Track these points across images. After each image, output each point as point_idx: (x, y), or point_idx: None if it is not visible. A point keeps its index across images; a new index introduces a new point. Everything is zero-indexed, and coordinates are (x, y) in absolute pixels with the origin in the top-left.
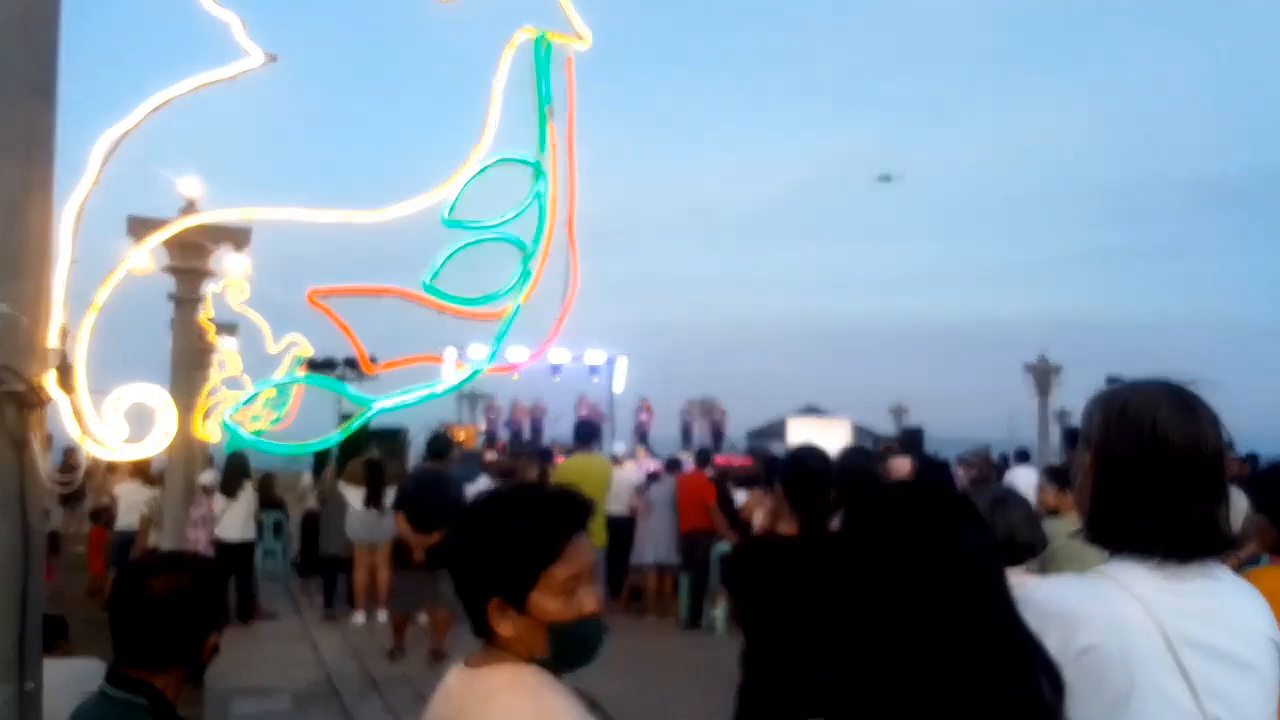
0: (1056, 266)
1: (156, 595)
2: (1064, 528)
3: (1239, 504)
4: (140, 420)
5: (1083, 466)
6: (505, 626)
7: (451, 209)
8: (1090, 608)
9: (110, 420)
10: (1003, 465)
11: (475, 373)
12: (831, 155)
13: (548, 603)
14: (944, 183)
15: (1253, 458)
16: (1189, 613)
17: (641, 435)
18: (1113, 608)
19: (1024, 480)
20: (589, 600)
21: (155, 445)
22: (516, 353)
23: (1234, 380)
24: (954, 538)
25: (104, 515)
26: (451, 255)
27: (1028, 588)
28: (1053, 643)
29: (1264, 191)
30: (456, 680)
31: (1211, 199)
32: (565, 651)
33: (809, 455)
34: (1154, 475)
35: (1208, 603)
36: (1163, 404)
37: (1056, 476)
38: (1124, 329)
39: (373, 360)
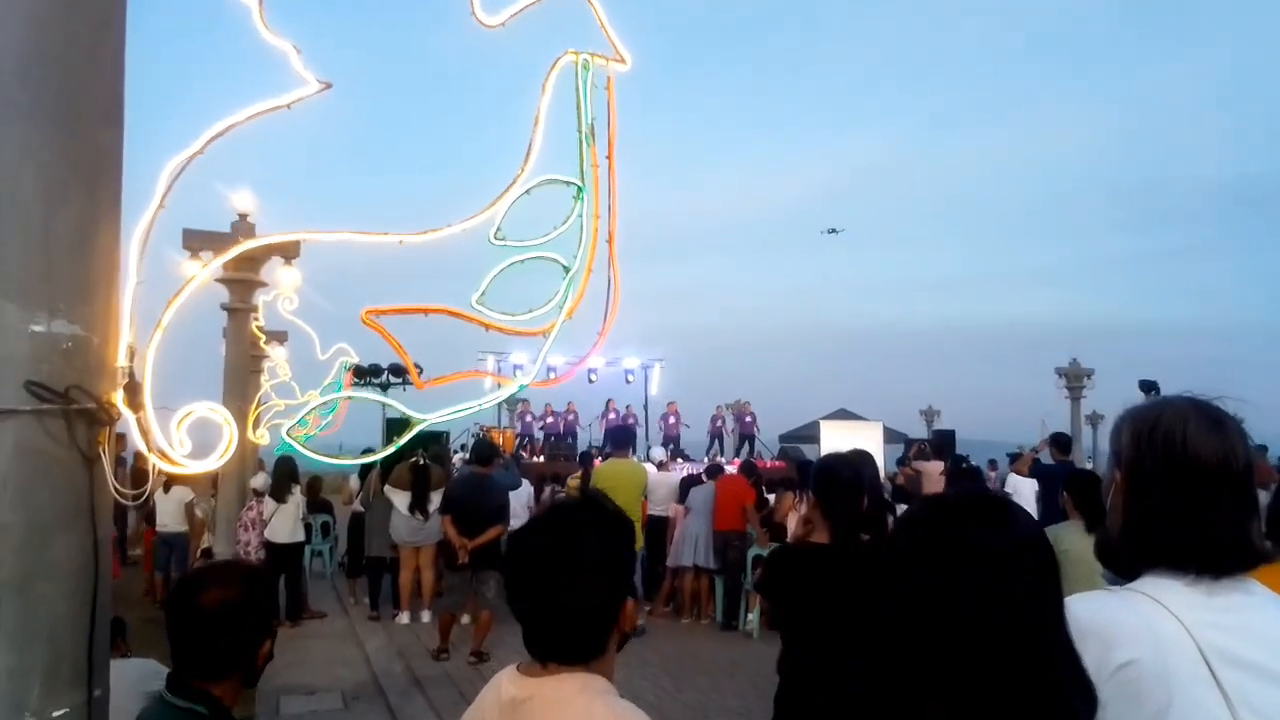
0: (1086, 270)
1: (210, 607)
2: (1072, 533)
3: None
4: (202, 434)
5: (1114, 483)
6: (614, 640)
7: (498, 228)
8: (1127, 623)
9: (175, 436)
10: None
11: (521, 387)
12: (862, 160)
13: (632, 609)
14: (975, 187)
15: (1262, 448)
16: (1224, 627)
17: (670, 440)
18: (1150, 623)
19: (1024, 484)
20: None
21: (218, 460)
22: (556, 361)
23: (1261, 382)
24: (993, 538)
25: (152, 517)
26: (498, 273)
27: (1064, 604)
28: (1090, 659)
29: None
30: (516, 686)
31: (1240, 200)
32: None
33: (840, 464)
34: (1185, 491)
35: (1243, 617)
36: (1191, 420)
37: (1075, 485)
38: (1154, 332)
39: (419, 369)
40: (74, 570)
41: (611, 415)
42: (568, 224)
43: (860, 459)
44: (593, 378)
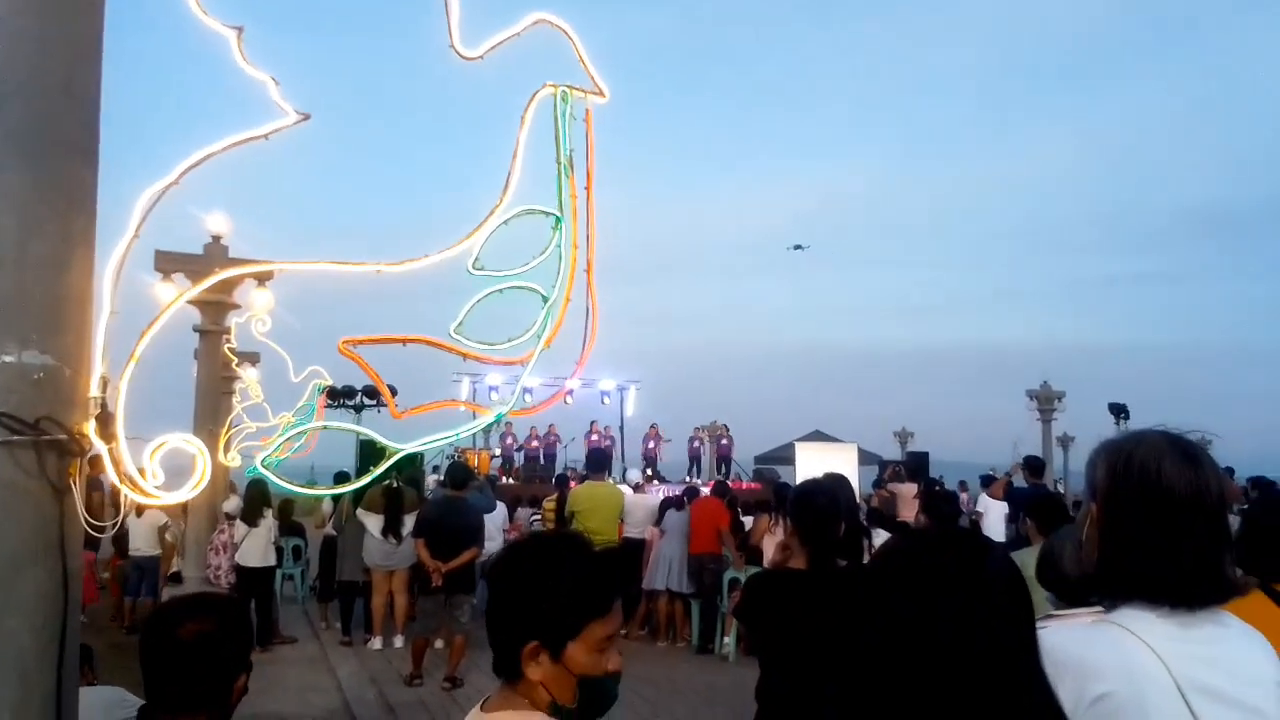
0: (1057, 293)
1: (185, 640)
2: (1035, 558)
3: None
4: (174, 461)
5: (1089, 516)
6: (535, 670)
7: (476, 258)
8: (1103, 656)
9: (149, 468)
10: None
11: (499, 417)
12: (837, 185)
13: (582, 655)
14: (946, 211)
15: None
16: (1199, 659)
17: (650, 462)
18: (1125, 655)
19: (995, 506)
20: (615, 659)
21: (190, 491)
22: (533, 383)
23: (1228, 404)
24: (970, 570)
25: (122, 542)
26: (476, 303)
27: (1040, 634)
28: (1067, 691)
29: (1257, 219)
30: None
31: (1208, 227)
32: (588, 705)
33: (816, 490)
34: (1160, 524)
35: (1216, 649)
36: (1166, 454)
37: (1037, 509)
38: (1123, 354)
39: (393, 391)
40: (43, 603)
41: (594, 436)
42: (546, 254)
43: (836, 484)
44: (568, 400)
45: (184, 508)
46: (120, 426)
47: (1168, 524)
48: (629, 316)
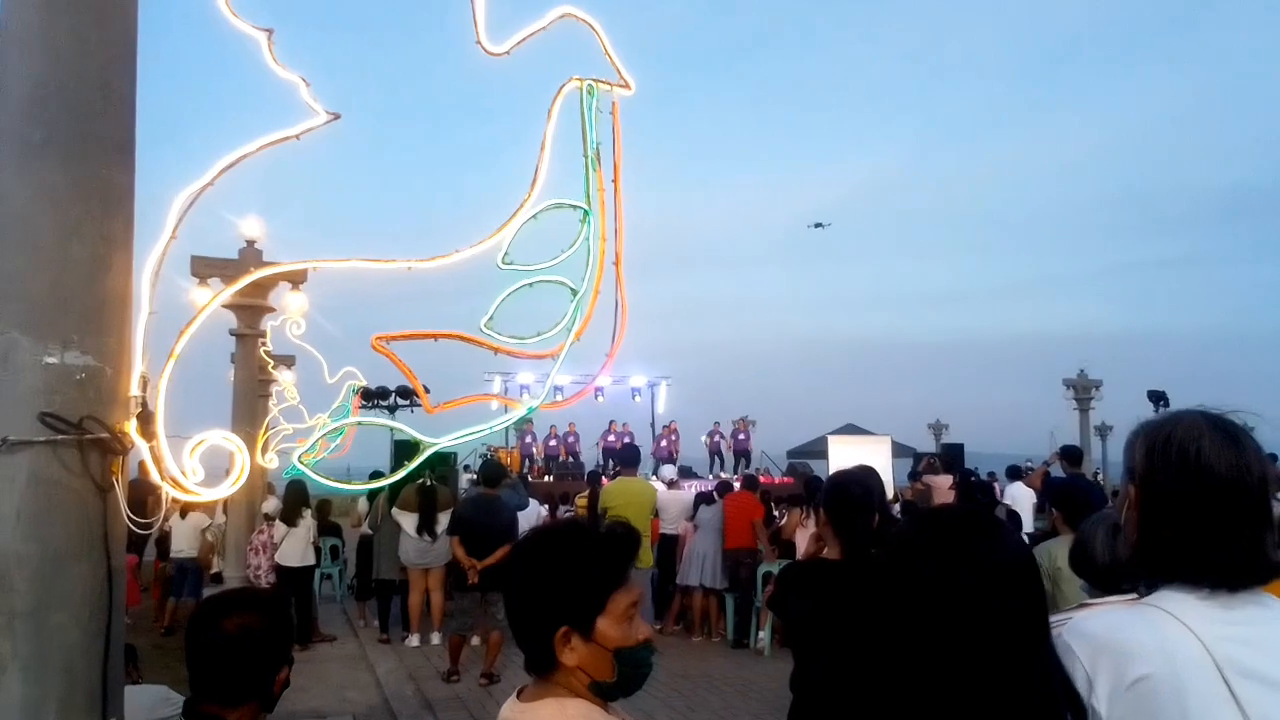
0: (1090, 280)
1: (229, 634)
2: (1064, 548)
3: None
4: (211, 460)
5: (1128, 498)
6: (570, 655)
7: (505, 253)
8: (1142, 639)
9: (188, 465)
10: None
11: (531, 410)
12: (867, 174)
13: (612, 629)
14: (976, 201)
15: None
16: (1240, 641)
17: (667, 458)
18: (1164, 638)
19: (1023, 496)
20: (644, 627)
21: (229, 487)
22: (563, 381)
23: (1271, 392)
24: (991, 548)
25: (164, 545)
26: (506, 297)
27: (1078, 618)
28: (1105, 674)
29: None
30: (509, 711)
31: (1241, 208)
32: (627, 677)
33: (850, 481)
34: (1199, 505)
35: (1259, 630)
36: (1205, 434)
37: (1061, 499)
38: (1160, 341)
39: (427, 391)
40: (88, 599)
41: (611, 437)
42: (575, 247)
43: (868, 475)
44: (600, 398)
45: (223, 505)
46: (160, 425)
47: (1207, 505)
48: (659, 311)
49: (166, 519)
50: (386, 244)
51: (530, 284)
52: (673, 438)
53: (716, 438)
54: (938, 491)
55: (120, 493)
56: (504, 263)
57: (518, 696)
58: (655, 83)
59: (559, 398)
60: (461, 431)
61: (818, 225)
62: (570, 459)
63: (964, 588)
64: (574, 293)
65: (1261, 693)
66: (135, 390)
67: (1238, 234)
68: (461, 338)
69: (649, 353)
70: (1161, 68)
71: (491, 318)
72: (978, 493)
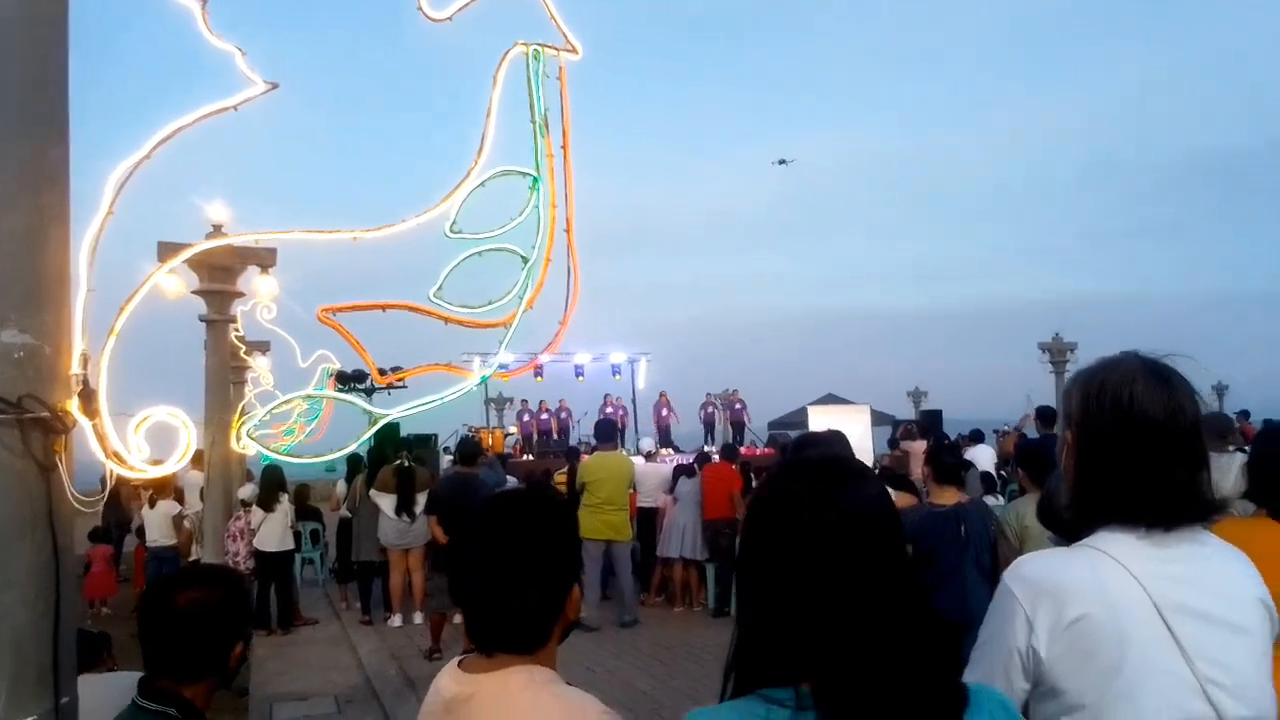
0: (1069, 248)
1: (183, 609)
2: (1030, 507)
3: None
4: (165, 439)
5: (1066, 444)
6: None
7: (454, 221)
8: (1079, 580)
9: (132, 442)
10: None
11: (483, 379)
12: (843, 152)
13: (575, 594)
14: (956, 174)
15: (1244, 414)
16: (1177, 579)
17: (664, 432)
18: (1101, 578)
19: (984, 457)
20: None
21: (176, 463)
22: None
23: (1242, 350)
24: (838, 496)
25: (144, 533)
26: (455, 266)
27: (1017, 562)
28: (1044, 616)
29: (1261, 165)
30: (457, 684)
31: (1212, 176)
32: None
33: (810, 442)
34: (1134, 447)
35: (1195, 568)
36: (1138, 378)
37: (1027, 459)
38: (1134, 305)
39: (383, 372)
40: (35, 578)
41: (608, 410)
42: (524, 215)
43: (833, 437)
44: (580, 379)
45: (200, 492)
46: (103, 402)
47: (1142, 448)
48: (637, 289)
49: (127, 503)
50: (351, 222)
51: (480, 253)
52: (666, 410)
53: (710, 409)
54: (914, 457)
55: (64, 471)
56: (452, 231)
57: (460, 666)
58: (630, 53)
59: (513, 367)
60: (415, 402)
61: (781, 162)
62: (561, 436)
63: (806, 532)
64: (524, 260)
65: (1197, 628)
66: (76, 368)
67: (1210, 201)
68: (410, 308)
69: (629, 331)
70: (1135, 39)
71: (440, 287)
72: (945, 454)
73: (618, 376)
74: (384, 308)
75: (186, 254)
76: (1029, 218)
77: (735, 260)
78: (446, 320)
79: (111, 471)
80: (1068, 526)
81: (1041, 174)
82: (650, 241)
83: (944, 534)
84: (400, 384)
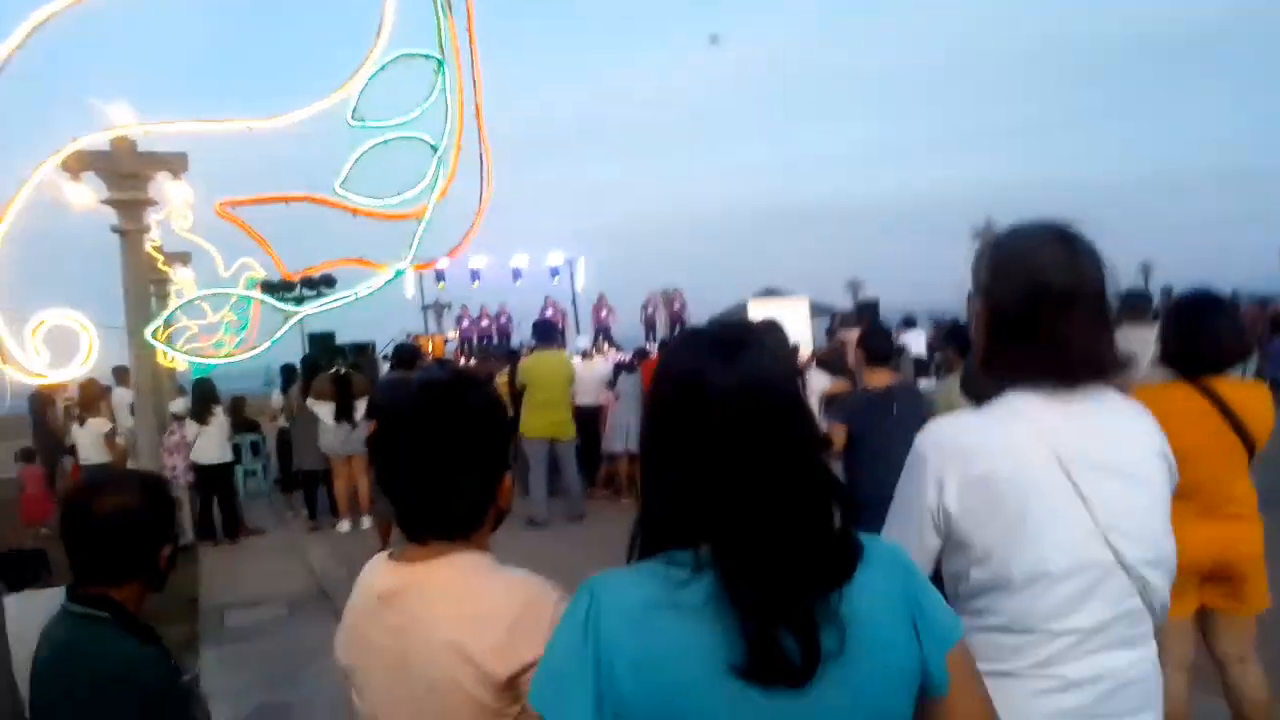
0: (1003, 135)
1: (103, 513)
2: (957, 381)
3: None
4: (69, 345)
5: (976, 312)
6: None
7: (354, 110)
8: (986, 438)
9: (30, 345)
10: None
11: (398, 273)
12: (774, 42)
13: (508, 481)
14: (886, 61)
15: (1167, 291)
16: (1080, 433)
17: (603, 331)
18: (1008, 435)
19: (915, 342)
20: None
21: (78, 368)
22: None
23: (1178, 232)
24: (723, 370)
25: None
26: (359, 157)
27: (929, 426)
28: (953, 475)
29: (1193, 45)
30: (393, 576)
31: (1146, 56)
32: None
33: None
34: (1040, 310)
35: (1097, 423)
36: (1045, 244)
37: (953, 336)
38: (1069, 190)
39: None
40: None
41: (548, 312)
42: (430, 100)
43: (766, 327)
44: (519, 282)
45: (130, 408)
46: None
47: (1047, 309)
48: (580, 189)
49: (69, 424)
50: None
51: (385, 141)
52: (605, 311)
53: (651, 308)
54: (850, 346)
55: None
56: (354, 119)
57: (392, 558)
58: None
59: (432, 260)
60: (329, 298)
61: (714, 40)
62: (503, 340)
63: (701, 402)
64: (434, 149)
65: (1097, 478)
66: None
67: (1144, 81)
68: (314, 200)
69: (566, 233)
70: None
71: (346, 179)
72: (876, 338)
73: (556, 279)
74: (286, 200)
75: (68, 149)
76: (967, 104)
77: (676, 155)
78: (354, 212)
79: (11, 378)
80: (990, 396)
81: (973, 58)
82: (592, 140)
83: (876, 414)
84: (329, 288)
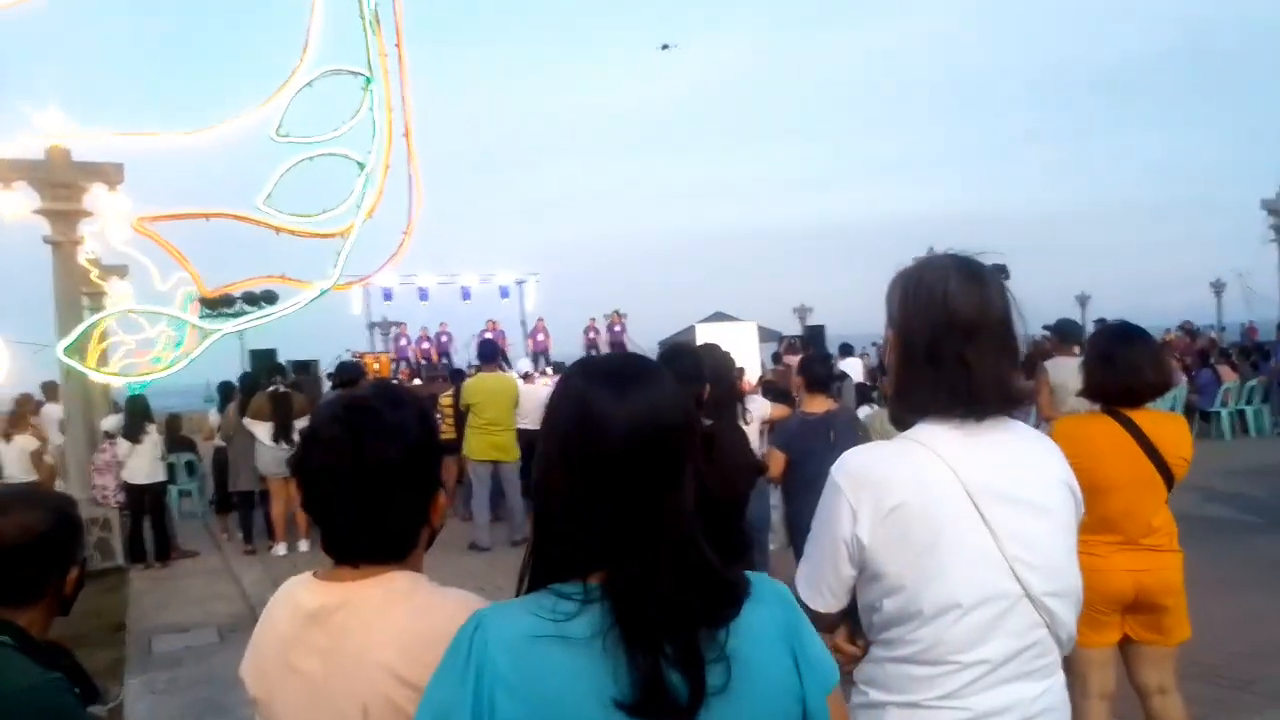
0: (953, 160)
1: (5, 536)
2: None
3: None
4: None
5: (889, 342)
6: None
7: (280, 125)
8: (896, 470)
9: None
10: None
11: (323, 292)
12: (722, 62)
13: (441, 499)
14: (836, 85)
15: (1100, 322)
16: (987, 464)
17: (540, 354)
18: (917, 467)
19: (854, 369)
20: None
21: None
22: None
23: (1116, 260)
24: (622, 394)
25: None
26: (284, 173)
27: (842, 457)
28: (866, 506)
29: (1137, 76)
30: (322, 594)
31: (1092, 86)
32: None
33: (681, 353)
34: (947, 342)
35: (1003, 454)
36: (952, 276)
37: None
38: (1009, 219)
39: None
40: None
41: (489, 334)
42: (357, 117)
43: (706, 350)
44: (466, 301)
45: (59, 425)
46: None
47: (955, 342)
48: (525, 206)
49: None
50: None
51: (311, 158)
52: (541, 335)
53: (592, 333)
54: (793, 369)
55: None
56: (279, 135)
57: (318, 577)
58: None
59: (356, 279)
60: (248, 317)
61: (664, 47)
62: (444, 360)
63: (590, 431)
64: (361, 167)
65: (1004, 510)
66: None
67: (1089, 109)
68: (235, 216)
69: (519, 250)
70: None
71: (270, 196)
72: (816, 365)
73: (505, 299)
74: (206, 216)
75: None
76: (916, 129)
77: (619, 175)
78: (277, 230)
79: None
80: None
81: (920, 84)
82: (531, 156)
83: (814, 440)
84: (270, 304)
